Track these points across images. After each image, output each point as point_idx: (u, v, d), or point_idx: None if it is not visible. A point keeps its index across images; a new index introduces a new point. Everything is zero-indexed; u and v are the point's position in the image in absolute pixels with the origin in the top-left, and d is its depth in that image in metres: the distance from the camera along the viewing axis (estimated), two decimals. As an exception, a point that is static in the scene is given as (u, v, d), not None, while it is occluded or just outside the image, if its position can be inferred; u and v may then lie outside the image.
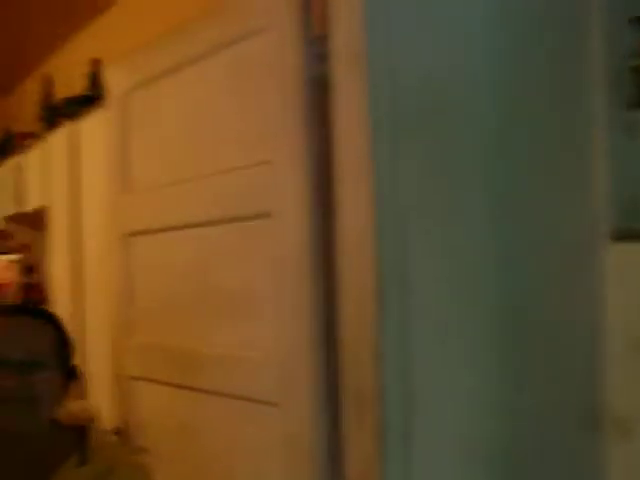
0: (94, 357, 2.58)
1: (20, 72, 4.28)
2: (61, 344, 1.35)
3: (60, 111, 3.05)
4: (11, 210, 3.73)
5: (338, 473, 1.49)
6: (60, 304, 3.03)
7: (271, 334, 1.65)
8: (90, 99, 2.79)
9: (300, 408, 1.58)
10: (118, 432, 2.19)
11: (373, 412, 1.34)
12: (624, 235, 1.18)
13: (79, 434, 1.36)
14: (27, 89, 4.31)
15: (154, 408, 2.13)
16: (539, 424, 1.34)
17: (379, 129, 1.34)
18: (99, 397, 2.53)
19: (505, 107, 1.39)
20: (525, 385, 1.36)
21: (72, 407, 1.44)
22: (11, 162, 3.82)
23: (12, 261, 3.41)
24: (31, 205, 3.47)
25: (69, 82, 3.23)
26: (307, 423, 1.57)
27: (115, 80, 2.27)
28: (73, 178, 2.89)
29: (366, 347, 1.35)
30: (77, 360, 1.39)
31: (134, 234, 2.17)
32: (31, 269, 3.43)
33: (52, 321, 1.37)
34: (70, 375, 1.36)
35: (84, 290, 2.81)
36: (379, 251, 1.33)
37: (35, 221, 3.44)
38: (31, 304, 3.06)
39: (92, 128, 2.72)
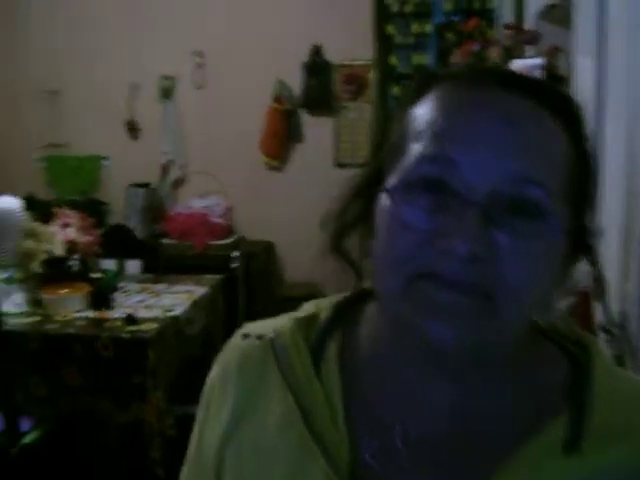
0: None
1: None
2: (579, 172, 0.65)
3: None
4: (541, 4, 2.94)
5: None
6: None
7: None
8: None
9: None
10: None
11: None
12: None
13: (574, 368, 0.69)
14: None
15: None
16: None
17: None
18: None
19: None
20: None
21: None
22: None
23: (534, 66, 2.68)
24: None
25: None
26: None
27: None
28: None
29: None
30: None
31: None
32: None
33: (574, 126, 0.65)
34: (579, 239, 0.65)
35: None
36: None
37: (563, 17, 2.62)
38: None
39: None
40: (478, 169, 0.59)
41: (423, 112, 0.64)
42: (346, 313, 0.76)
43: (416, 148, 0.62)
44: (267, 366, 0.73)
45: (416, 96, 0.67)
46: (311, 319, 0.76)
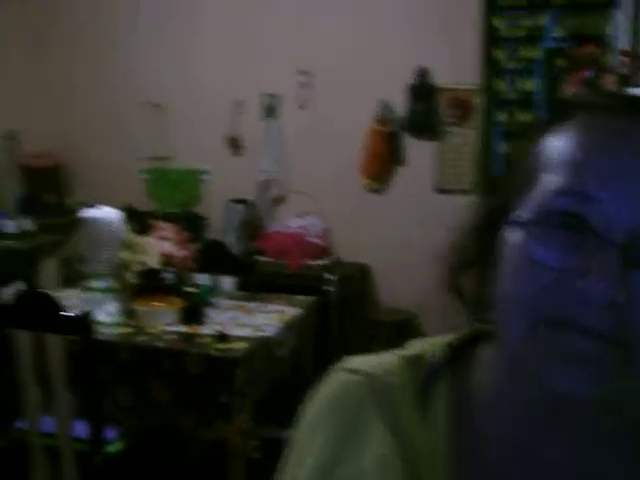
0: None
1: None
2: None
3: None
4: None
5: None
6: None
7: None
8: None
9: None
10: None
11: None
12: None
13: None
14: None
15: None
16: None
17: None
18: None
19: None
20: None
21: None
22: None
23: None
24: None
25: None
26: None
27: None
28: None
29: None
30: None
31: None
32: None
33: None
34: None
35: None
36: None
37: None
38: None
39: None
40: (619, 206, 0.53)
41: (560, 142, 0.59)
42: (458, 355, 0.70)
43: (551, 180, 0.57)
44: (366, 404, 0.68)
45: (552, 125, 0.61)
46: (418, 359, 0.70)
